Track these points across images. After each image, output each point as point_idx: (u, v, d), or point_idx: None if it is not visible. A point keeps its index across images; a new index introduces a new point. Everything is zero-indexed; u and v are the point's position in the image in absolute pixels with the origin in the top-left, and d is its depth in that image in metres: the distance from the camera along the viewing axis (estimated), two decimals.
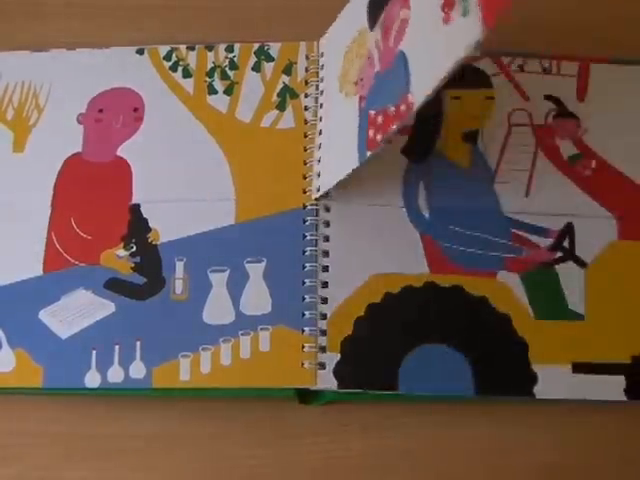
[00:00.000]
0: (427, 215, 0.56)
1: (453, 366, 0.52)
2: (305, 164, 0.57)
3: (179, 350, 0.52)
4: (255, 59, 0.60)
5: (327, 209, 0.56)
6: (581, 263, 0.55)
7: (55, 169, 0.57)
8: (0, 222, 0.56)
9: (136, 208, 0.56)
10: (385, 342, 0.53)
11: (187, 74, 0.60)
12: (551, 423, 0.53)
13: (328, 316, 0.53)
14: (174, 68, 0.60)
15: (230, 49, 0.61)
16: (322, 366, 0.52)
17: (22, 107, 0.60)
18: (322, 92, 0.58)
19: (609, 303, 0.54)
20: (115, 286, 0.54)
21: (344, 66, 0.56)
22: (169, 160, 0.57)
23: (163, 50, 0.61)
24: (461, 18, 0.41)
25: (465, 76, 0.60)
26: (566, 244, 0.55)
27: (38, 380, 0.52)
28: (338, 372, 0.52)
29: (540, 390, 0.52)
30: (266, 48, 0.61)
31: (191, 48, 0.61)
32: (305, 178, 0.56)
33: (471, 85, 0.60)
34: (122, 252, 0.55)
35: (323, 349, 0.52)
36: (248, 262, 0.54)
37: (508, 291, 0.54)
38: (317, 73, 0.59)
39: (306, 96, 0.59)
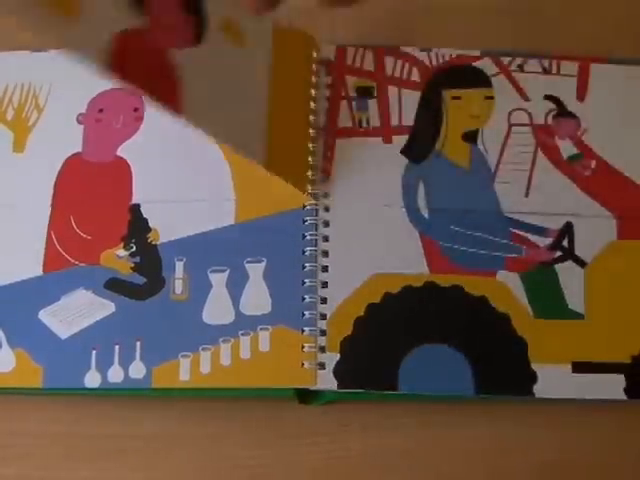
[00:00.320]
0: (427, 215, 0.56)
1: (453, 366, 0.52)
2: None
3: (179, 350, 0.52)
4: None
5: (327, 209, 0.56)
6: (581, 263, 0.55)
7: (55, 169, 0.57)
8: (0, 222, 0.56)
9: (136, 208, 0.56)
10: (385, 342, 0.53)
11: None
12: (551, 422, 0.53)
13: (328, 316, 0.53)
14: None
15: None
16: (322, 366, 0.52)
17: (22, 107, 0.60)
18: None
19: (609, 302, 0.54)
20: (115, 286, 0.54)
21: None
22: (169, 160, 0.58)
23: None
24: None
25: (465, 76, 0.60)
26: (566, 244, 0.55)
27: (38, 380, 0.52)
28: (338, 372, 0.52)
29: (540, 389, 0.52)
30: None
31: None
32: None
33: (471, 85, 0.60)
34: (122, 252, 0.55)
35: (323, 349, 0.52)
36: (248, 262, 0.54)
37: (508, 291, 0.54)
38: (319, 73, 0.59)
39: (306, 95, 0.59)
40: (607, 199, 0.57)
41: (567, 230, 0.56)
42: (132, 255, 0.55)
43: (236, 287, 0.54)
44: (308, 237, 0.55)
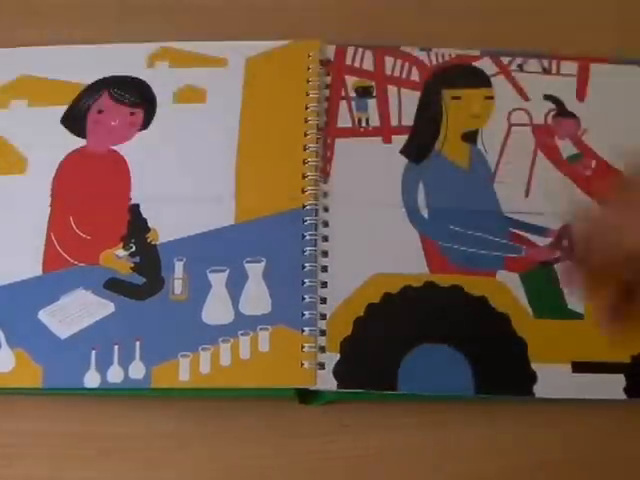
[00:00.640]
0: (426, 215, 0.56)
1: (453, 366, 0.52)
2: (305, 164, 0.57)
3: (178, 350, 0.52)
4: None
5: (326, 209, 0.56)
6: None
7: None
8: (0, 222, 0.56)
9: (135, 208, 0.56)
10: (385, 342, 0.53)
11: None
12: (551, 422, 0.53)
13: (328, 316, 0.53)
14: None
15: None
16: (322, 366, 0.52)
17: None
18: None
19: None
20: (114, 286, 0.54)
21: None
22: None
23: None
24: None
25: (465, 76, 0.60)
26: (565, 243, 0.55)
27: (38, 380, 0.52)
28: (338, 372, 0.52)
29: (540, 389, 0.52)
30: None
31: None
32: (305, 178, 0.56)
33: (471, 85, 0.60)
34: (121, 252, 0.55)
35: (323, 349, 0.52)
36: (247, 262, 0.54)
37: (507, 291, 0.54)
38: (319, 73, 0.59)
39: (307, 95, 0.59)
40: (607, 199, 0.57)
41: (567, 230, 0.56)
42: (131, 255, 0.55)
43: (236, 287, 0.54)
44: (308, 237, 0.55)
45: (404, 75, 0.60)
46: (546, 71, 0.60)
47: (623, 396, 0.52)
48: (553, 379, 0.52)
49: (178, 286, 0.54)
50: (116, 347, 0.52)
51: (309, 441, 0.52)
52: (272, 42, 0.61)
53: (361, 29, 0.63)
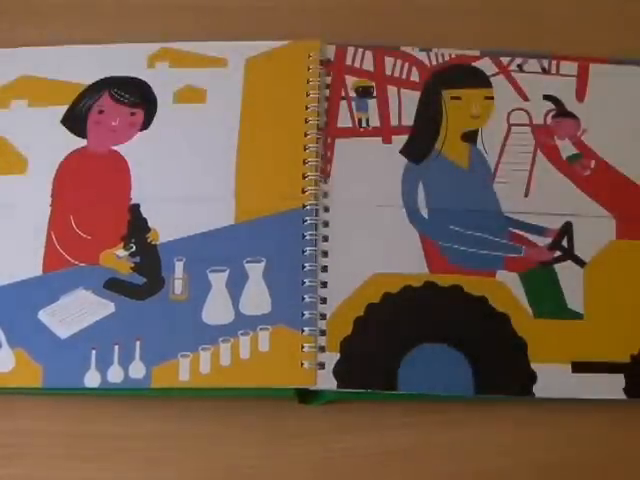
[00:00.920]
0: (426, 215, 0.56)
1: (453, 366, 0.52)
2: (305, 164, 0.57)
3: (178, 350, 0.52)
4: None
5: (326, 209, 0.56)
6: (580, 262, 0.55)
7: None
8: (0, 222, 0.56)
9: (135, 208, 0.56)
10: (385, 342, 0.53)
11: None
12: (551, 422, 0.53)
13: (327, 316, 0.53)
14: None
15: None
16: (322, 366, 0.52)
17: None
18: None
19: (608, 302, 0.54)
20: (115, 286, 0.54)
21: None
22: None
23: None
24: None
25: (465, 76, 0.60)
26: (565, 243, 0.55)
27: (38, 380, 0.52)
28: (338, 372, 0.52)
29: (539, 389, 0.52)
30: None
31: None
32: (305, 178, 0.56)
33: (471, 85, 0.60)
34: (122, 252, 0.55)
35: (323, 349, 0.52)
36: (248, 262, 0.54)
37: (507, 290, 0.54)
38: (319, 73, 0.59)
39: (307, 95, 0.59)
40: (606, 199, 0.57)
41: (567, 230, 0.56)
42: (132, 255, 0.55)
43: (236, 287, 0.54)
44: (308, 237, 0.55)
45: (404, 75, 0.60)
46: (546, 71, 0.60)
47: (623, 396, 0.52)
48: (553, 379, 0.52)
49: (178, 286, 0.54)
50: (116, 347, 0.52)
51: (309, 441, 0.52)
52: (272, 42, 0.61)
53: (361, 29, 0.64)
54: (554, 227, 0.56)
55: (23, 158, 0.58)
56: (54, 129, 0.59)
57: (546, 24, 0.64)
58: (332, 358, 0.52)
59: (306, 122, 0.58)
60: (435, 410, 0.53)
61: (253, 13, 0.64)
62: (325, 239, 0.55)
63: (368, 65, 0.60)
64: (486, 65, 0.60)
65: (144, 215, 0.56)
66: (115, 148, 0.58)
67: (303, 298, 0.53)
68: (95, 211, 0.56)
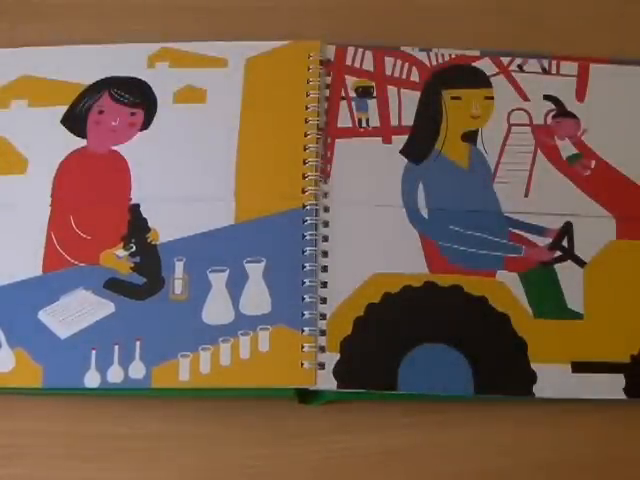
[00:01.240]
0: (426, 215, 0.56)
1: (453, 366, 0.52)
2: (305, 164, 0.57)
3: (178, 350, 0.52)
4: None
5: (326, 209, 0.56)
6: (580, 262, 0.55)
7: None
8: (0, 222, 0.56)
9: (135, 208, 0.56)
10: (385, 342, 0.53)
11: None
12: (551, 422, 0.53)
13: (328, 316, 0.53)
14: None
15: None
16: (322, 366, 0.52)
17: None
18: None
19: (608, 302, 0.54)
20: (115, 286, 0.54)
21: None
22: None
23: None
24: None
25: (465, 76, 0.60)
26: (565, 243, 0.55)
27: (38, 380, 0.52)
28: (338, 372, 0.52)
29: (539, 389, 0.52)
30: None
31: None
32: (305, 178, 0.56)
33: (471, 85, 0.60)
34: (122, 252, 0.55)
35: (323, 349, 0.52)
36: (248, 262, 0.54)
37: (507, 290, 0.54)
38: (319, 73, 0.59)
39: (307, 95, 0.59)
40: (606, 199, 0.57)
41: (567, 230, 0.56)
42: (132, 255, 0.55)
43: (236, 287, 0.54)
44: (308, 237, 0.55)
45: (404, 75, 0.60)
46: (546, 71, 0.60)
47: (623, 396, 0.52)
48: (553, 379, 0.52)
49: (178, 286, 0.54)
50: (116, 347, 0.52)
51: (309, 441, 0.52)
52: (272, 42, 0.61)
53: (361, 29, 0.64)
54: (554, 227, 0.56)
55: (23, 158, 0.58)
56: (54, 129, 0.59)
57: (546, 24, 0.64)
58: (332, 358, 0.52)
59: (306, 122, 0.58)
60: (435, 410, 0.53)
61: (253, 13, 0.64)
62: (325, 239, 0.55)
63: (368, 65, 0.60)
64: (486, 65, 0.60)
65: (144, 215, 0.56)
66: (115, 148, 0.58)
67: (303, 298, 0.53)
68: (95, 211, 0.56)
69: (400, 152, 0.58)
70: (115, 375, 0.52)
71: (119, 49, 0.61)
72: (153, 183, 0.57)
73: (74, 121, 0.59)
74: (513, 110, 0.59)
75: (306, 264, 0.54)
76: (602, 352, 0.53)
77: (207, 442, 0.52)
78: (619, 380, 0.52)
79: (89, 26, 0.64)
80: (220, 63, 0.61)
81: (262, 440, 0.52)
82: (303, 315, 0.53)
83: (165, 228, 0.56)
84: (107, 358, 0.52)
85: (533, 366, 0.52)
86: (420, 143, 0.58)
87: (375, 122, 0.59)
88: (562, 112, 0.59)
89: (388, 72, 0.60)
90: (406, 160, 0.58)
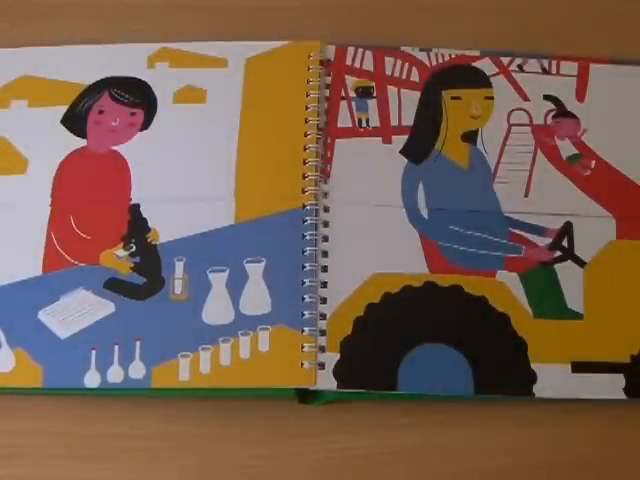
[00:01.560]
0: (426, 215, 0.56)
1: (452, 366, 0.52)
2: (305, 164, 0.57)
3: (178, 350, 0.52)
4: None
5: (326, 209, 0.56)
6: (580, 262, 0.55)
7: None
8: (0, 222, 0.56)
9: (136, 208, 0.56)
10: (385, 342, 0.53)
11: None
12: (551, 422, 0.53)
13: (328, 316, 0.53)
14: None
15: None
16: (322, 366, 0.52)
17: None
18: None
19: (608, 302, 0.54)
20: (115, 286, 0.54)
21: None
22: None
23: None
24: None
25: (465, 76, 0.60)
26: (565, 243, 0.55)
27: (38, 380, 0.52)
28: (338, 372, 0.52)
29: (539, 389, 0.52)
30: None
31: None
32: (305, 178, 0.56)
33: (471, 85, 0.60)
34: (122, 252, 0.55)
35: (323, 349, 0.52)
36: (248, 262, 0.54)
37: (507, 290, 0.54)
38: (319, 73, 0.59)
39: (307, 95, 0.59)
40: (606, 199, 0.57)
41: (567, 230, 0.56)
42: (132, 255, 0.55)
43: (236, 287, 0.54)
44: (308, 237, 0.55)
45: (404, 75, 0.60)
46: (546, 71, 0.60)
47: (623, 396, 0.52)
48: (553, 379, 0.52)
49: (178, 286, 0.54)
50: (116, 347, 0.52)
51: (309, 441, 0.52)
52: (272, 42, 0.61)
53: (361, 29, 0.64)
54: (554, 227, 0.56)
55: (23, 158, 0.58)
56: (54, 129, 0.59)
57: (546, 24, 0.64)
58: (332, 358, 0.52)
59: (306, 122, 0.58)
60: (435, 410, 0.53)
61: (253, 13, 0.64)
62: (325, 239, 0.55)
63: (368, 65, 0.60)
64: (486, 65, 0.60)
65: (144, 215, 0.56)
66: (115, 148, 0.58)
67: (303, 298, 0.53)
68: (95, 211, 0.56)
69: (400, 152, 0.58)
70: (115, 375, 0.52)
71: (119, 49, 0.61)
72: (153, 183, 0.57)
73: (74, 121, 0.59)
74: (513, 110, 0.59)
75: (306, 264, 0.54)
76: (602, 352, 0.53)
77: (207, 442, 0.52)
78: (619, 380, 0.52)
79: (89, 26, 0.64)
80: (220, 63, 0.61)
81: (262, 440, 0.52)
82: (303, 315, 0.53)
83: (165, 228, 0.56)
84: (107, 358, 0.52)
85: (533, 366, 0.52)
86: (420, 143, 0.58)
87: (375, 122, 0.59)
88: (562, 112, 0.59)
89: (388, 72, 0.60)
90: (406, 160, 0.58)
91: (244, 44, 0.61)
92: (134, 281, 0.54)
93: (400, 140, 0.58)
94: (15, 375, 0.52)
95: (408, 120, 0.59)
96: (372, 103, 0.59)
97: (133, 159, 0.58)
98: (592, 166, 0.58)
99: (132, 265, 0.55)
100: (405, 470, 0.52)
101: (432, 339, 0.53)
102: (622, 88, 0.60)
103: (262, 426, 0.53)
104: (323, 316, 0.53)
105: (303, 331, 0.53)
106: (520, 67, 0.60)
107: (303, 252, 0.54)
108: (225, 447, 0.52)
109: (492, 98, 0.59)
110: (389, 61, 0.60)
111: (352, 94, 0.59)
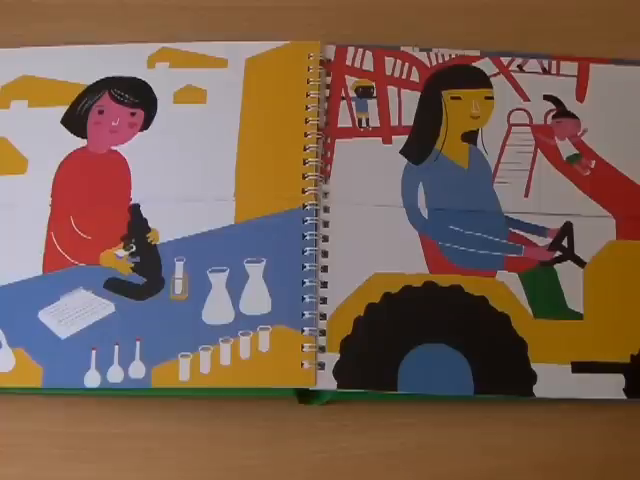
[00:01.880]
0: (426, 215, 0.56)
1: (453, 366, 0.52)
2: (305, 164, 0.57)
3: (178, 350, 0.52)
4: None
5: (326, 209, 0.56)
6: (580, 262, 0.55)
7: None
8: (0, 222, 0.56)
9: (136, 208, 0.56)
10: (385, 342, 0.53)
11: None
12: (551, 422, 0.53)
13: (328, 316, 0.53)
14: None
15: None
16: (322, 366, 0.52)
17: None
18: None
19: (608, 302, 0.54)
20: (115, 286, 0.54)
21: None
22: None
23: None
24: None
25: (465, 76, 0.60)
26: (565, 243, 0.55)
27: (38, 380, 0.52)
28: (338, 372, 0.52)
29: (539, 389, 0.52)
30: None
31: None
32: (305, 178, 0.56)
33: (471, 85, 0.60)
34: (122, 252, 0.55)
35: (323, 349, 0.52)
36: (248, 262, 0.54)
37: (507, 291, 0.54)
38: (319, 73, 0.59)
39: (307, 95, 0.59)
40: (606, 199, 0.57)
41: (567, 230, 0.56)
42: (132, 255, 0.55)
43: (236, 287, 0.54)
44: (308, 237, 0.55)
45: (404, 75, 0.60)
46: (546, 71, 0.60)
47: (623, 396, 0.52)
48: (553, 379, 0.52)
49: (178, 286, 0.54)
50: (116, 347, 0.52)
51: (309, 441, 0.52)
52: (272, 42, 0.61)
53: (361, 29, 0.64)
54: (554, 227, 0.56)
55: (23, 158, 0.58)
56: (54, 129, 0.59)
57: (546, 24, 0.64)
58: (332, 358, 0.52)
59: (306, 122, 0.58)
60: (435, 410, 0.53)
61: (253, 13, 0.64)
62: (325, 239, 0.55)
63: (368, 65, 0.60)
64: (486, 65, 0.60)
65: (144, 215, 0.56)
66: (115, 148, 0.58)
67: (303, 298, 0.53)
68: (95, 211, 0.56)
69: (400, 152, 0.58)
70: (115, 375, 0.52)
71: (119, 49, 0.61)
72: (153, 183, 0.57)
73: (74, 121, 0.59)
74: (513, 110, 0.59)
75: (306, 264, 0.54)
76: (602, 352, 0.53)
77: (207, 442, 0.52)
78: (619, 380, 0.52)
79: (89, 26, 0.64)
80: (220, 63, 0.61)
81: (262, 440, 0.52)
82: (303, 315, 0.53)
83: (165, 228, 0.56)
84: (107, 358, 0.52)
85: (533, 366, 0.52)
86: (420, 143, 0.58)
87: (375, 122, 0.59)
88: (562, 112, 0.59)
89: (388, 72, 0.60)
90: (406, 160, 0.58)
91: (244, 44, 0.61)
92: (134, 281, 0.54)
93: (400, 140, 0.58)
94: (15, 375, 0.52)
95: (408, 120, 0.59)
96: (372, 103, 0.59)
97: (133, 159, 0.58)
98: (592, 166, 0.58)
99: (132, 265, 0.55)
100: (405, 470, 0.52)
101: (432, 339, 0.53)
102: (622, 88, 0.60)
103: (262, 426, 0.53)
104: (323, 316, 0.53)
105: (303, 331, 0.53)
106: (520, 67, 0.60)
107: (303, 252, 0.54)
108: (225, 447, 0.52)
109: (492, 98, 0.59)
110: (389, 61, 0.60)
111: (352, 94, 0.59)
